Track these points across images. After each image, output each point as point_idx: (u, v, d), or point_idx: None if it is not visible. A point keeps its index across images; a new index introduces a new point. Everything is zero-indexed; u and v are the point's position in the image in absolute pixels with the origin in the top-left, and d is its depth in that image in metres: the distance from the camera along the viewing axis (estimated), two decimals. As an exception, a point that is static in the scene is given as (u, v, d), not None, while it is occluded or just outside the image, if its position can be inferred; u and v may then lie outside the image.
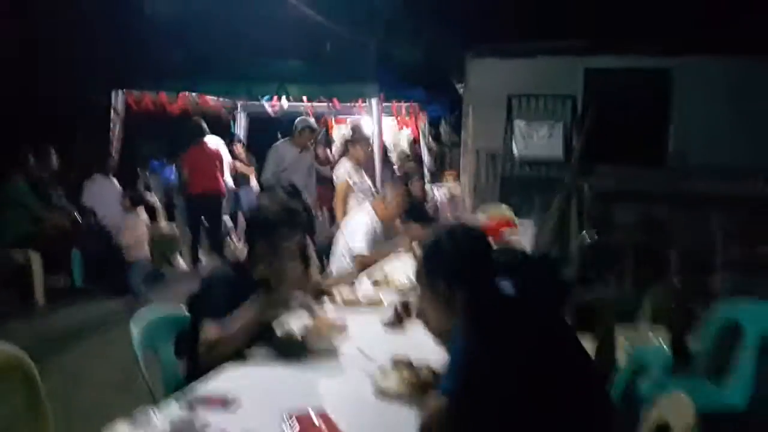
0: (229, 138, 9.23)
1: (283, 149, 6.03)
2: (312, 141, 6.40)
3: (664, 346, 2.12)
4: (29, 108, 7.91)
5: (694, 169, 6.73)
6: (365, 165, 5.85)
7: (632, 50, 6.90)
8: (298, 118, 6.20)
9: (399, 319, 2.48)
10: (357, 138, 5.77)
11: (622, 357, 2.81)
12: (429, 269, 1.77)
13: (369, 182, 5.68)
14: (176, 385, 2.22)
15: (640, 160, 6.93)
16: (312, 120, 6.38)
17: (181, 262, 7.30)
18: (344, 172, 5.43)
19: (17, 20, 7.19)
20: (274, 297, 2.29)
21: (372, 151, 6.82)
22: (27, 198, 5.66)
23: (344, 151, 5.77)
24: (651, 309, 3.15)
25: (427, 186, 8.75)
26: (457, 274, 1.71)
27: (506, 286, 1.73)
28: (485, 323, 1.62)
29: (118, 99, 7.52)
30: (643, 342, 3.04)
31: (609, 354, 2.88)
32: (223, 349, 2.15)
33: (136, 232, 5.46)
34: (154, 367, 2.36)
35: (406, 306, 2.49)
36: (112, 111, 7.51)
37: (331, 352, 2.24)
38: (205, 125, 7.19)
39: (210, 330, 2.18)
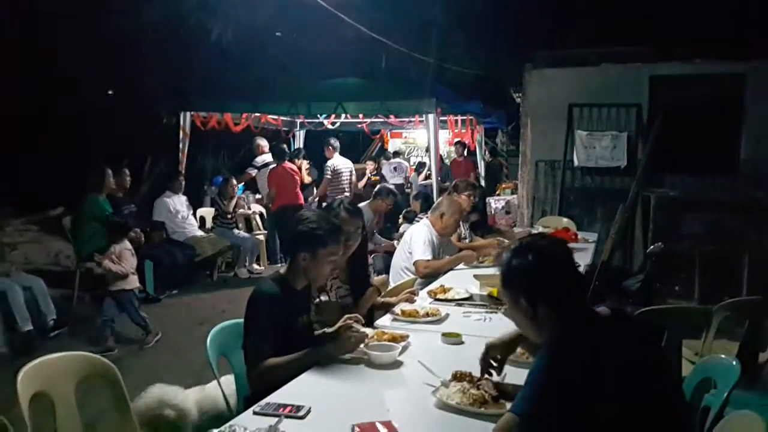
0: (291, 154, 9.56)
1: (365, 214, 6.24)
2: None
3: (733, 361, 2.05)
4: (105, 127, 8.45)
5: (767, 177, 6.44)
6: None
7: (700, 55, 6.69)
8: (381, 185, 6.79)
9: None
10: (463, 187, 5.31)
11: (686, 369, 2.73)
12: (509, 285, 1.72)
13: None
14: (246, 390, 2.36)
15: (710, 168, 6.70)
16: (392, 187, 7.32)
17: (256, 267, 7.77)
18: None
19: (94, 49, 7.66)
20: (333, 353, 2.31)
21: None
22: (105, 214, 5.99)
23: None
24: (720, 321, 3.04)
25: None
26: (536, 291, 1.66)
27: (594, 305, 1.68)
28: (568, 345, 1.56)
29: (186, 120, 7.88)
30: (710, 354, 2.94)
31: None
32: (271, 378, 2.19)
33: (122, 263, 4.96)
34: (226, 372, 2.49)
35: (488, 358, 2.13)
36: (180, 131, 7.86)
37: (393, 365, 2.28)
38: (286, 148, 8.01)
39: (262, 360, 2.24)
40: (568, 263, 1.72)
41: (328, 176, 8.14)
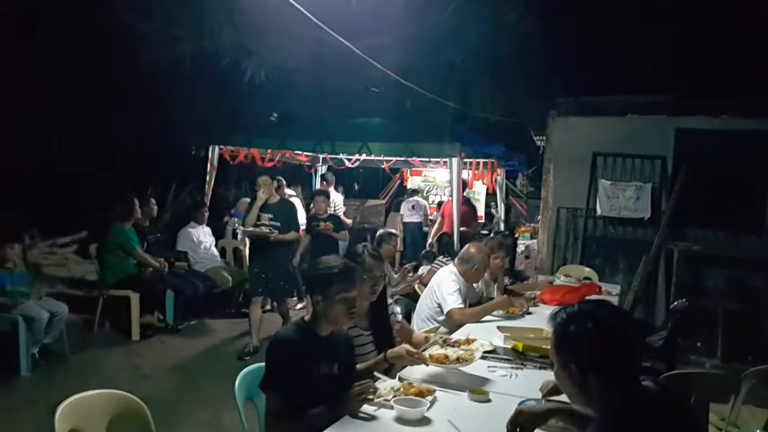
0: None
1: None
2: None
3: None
4: (134, 154, 8.62)
5: (794, 235, 6.39)
6: None
7: (726, 111, 6.70)
8: (381, 231, 6.56)
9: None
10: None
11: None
12: (562, 349, 1.67)
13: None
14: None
15: (734, 224, 6.64)
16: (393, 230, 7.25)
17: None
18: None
19: (130, 77, 7.89)
20: (357, 405, 2.30)
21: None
22: (132, 243, 6.09)
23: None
24: (748, 388, 2.99)
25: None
26: (590, 361, 1.60)
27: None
28: (622, 422, 1.54)
29: (215, 153, 8.03)
30: (738, 423, 2.89)
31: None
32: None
33: None
34: (251, 414, 2.51)
35: None
36: (208, 164, 8.00)
37: (421, 422, 2.24)
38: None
39: (276, 407, 2.29)
40: (627, 337, 1.64)
41: None
